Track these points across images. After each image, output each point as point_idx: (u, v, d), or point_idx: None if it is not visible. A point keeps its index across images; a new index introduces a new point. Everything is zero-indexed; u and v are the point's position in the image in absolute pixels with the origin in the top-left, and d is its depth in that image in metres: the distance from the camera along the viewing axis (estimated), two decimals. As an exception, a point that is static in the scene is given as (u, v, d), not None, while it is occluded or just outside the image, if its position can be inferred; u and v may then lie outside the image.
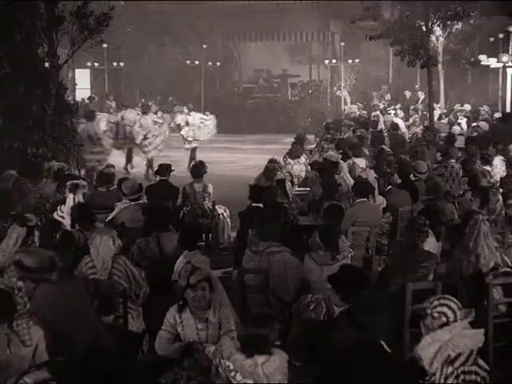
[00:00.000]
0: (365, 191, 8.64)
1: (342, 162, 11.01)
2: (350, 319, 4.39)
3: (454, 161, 11.18)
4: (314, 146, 14.65)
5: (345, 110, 25.52)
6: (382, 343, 4.10)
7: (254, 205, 8.47)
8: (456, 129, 16.37)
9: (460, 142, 13.55)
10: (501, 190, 9.64)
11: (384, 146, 13.61)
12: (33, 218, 6.92)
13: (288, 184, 9.85)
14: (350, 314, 4.46)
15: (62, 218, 8.24)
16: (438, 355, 4.01)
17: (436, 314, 4.15)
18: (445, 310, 4.16)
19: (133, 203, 8.51)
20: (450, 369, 4.00)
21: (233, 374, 3.99)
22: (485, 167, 10.69)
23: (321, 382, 4.13)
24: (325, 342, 4.89)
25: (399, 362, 4.26)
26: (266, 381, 3.95)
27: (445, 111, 20.75)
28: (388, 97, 26.10)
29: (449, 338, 4.02)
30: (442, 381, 3.99)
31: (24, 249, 5.78)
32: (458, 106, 21.26)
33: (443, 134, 15.47)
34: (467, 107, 20.91)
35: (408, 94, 25.16)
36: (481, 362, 4.09)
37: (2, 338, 4.42)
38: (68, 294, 5.22)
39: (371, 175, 10.46)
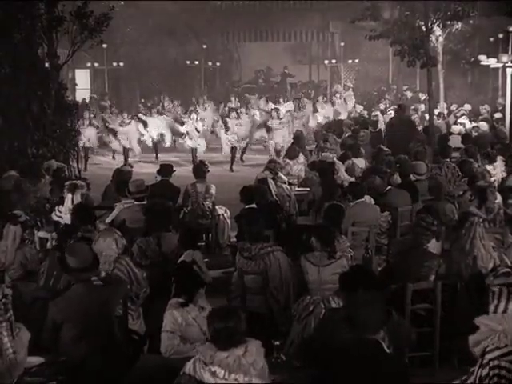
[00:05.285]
0: (362, 192, 8.64)
1: (338, 162, 11.02)
2: (344, 317, 4.36)
3: (448, 160, 11.20)
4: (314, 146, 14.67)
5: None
6: (381, 341, 4.08)
7: (247, 207, 8.50)
8: (456, 128, 16.33)
9: (458, 142, 13.51)
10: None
11: (382, 146, 13.58)
12: (22, 214, 6.95)
13: (271, 182, 9.79)
14: (345, 311, 4.43)
15: (61, 218, 8.23)
16: (480, 344, 3.85)
17: (496, 289, 4.02)
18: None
19: (136, 203, 8.42)
20: (484, 360, 3.77)
21: (222, 374, 3.91)
22: (488, 166, 10.70)
23: (319, 380, 4.11)
24: (320, 340, 4.86)
25: (397, 359, 4.22)
26: (253, 370, 3.92)
27: (444, 111, 20.68)
28: (389, 95, 25.99)
29: (499, 330, 3.85)
30: (480, 371, 3.81)
31: (69, 247, 5.59)
32: (454, 107, 21.21)
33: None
34: (467, 107, 20.85)
35: (409, 94, 25.10)
36: None
37: None
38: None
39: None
